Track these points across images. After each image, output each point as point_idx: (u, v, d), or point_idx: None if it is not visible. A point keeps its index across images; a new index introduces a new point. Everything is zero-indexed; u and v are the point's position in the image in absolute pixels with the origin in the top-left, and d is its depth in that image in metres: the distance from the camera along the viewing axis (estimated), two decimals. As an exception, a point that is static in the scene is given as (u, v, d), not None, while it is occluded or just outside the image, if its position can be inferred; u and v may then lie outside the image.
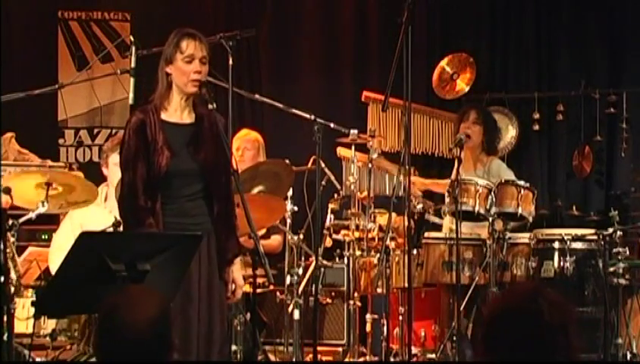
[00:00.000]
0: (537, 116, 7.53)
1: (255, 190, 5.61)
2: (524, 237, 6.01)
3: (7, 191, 4.80)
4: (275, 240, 6.52)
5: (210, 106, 4.14)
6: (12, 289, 4.72)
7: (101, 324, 2.82)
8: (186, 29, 4.27)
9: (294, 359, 6.03)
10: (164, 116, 4.21)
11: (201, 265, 4.13)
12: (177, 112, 4.23)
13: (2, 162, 6.23)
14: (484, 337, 2.51)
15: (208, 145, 4.17)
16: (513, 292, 2.59)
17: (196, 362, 4.09)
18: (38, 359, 5.26)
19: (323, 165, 6.20)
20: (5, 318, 4.21)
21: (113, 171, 5.43)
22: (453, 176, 5.82)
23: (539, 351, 2.40)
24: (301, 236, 6.22)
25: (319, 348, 5.80)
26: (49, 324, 5.42)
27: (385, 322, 5.89)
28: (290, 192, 6.08)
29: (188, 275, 4.06)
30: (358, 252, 6.14)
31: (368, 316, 6.27)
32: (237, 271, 4.24)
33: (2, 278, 4.23)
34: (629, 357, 5.95)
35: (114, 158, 5.45)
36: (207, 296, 4.14)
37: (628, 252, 5.95)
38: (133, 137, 4.15)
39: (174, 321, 3.93)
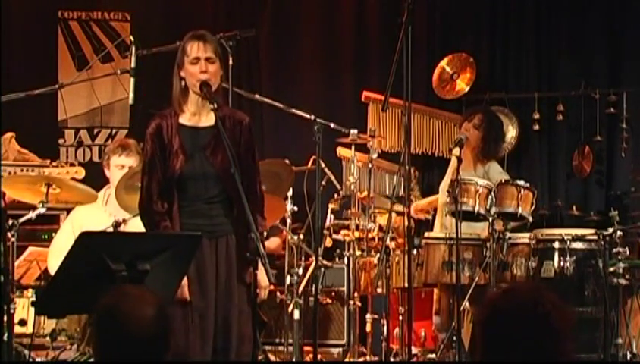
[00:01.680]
0: (537, 116, 7.53)
1: (255, 190, 5.60)
2: (524, 237, 6.00)
3: (2, 195, 4.79)
4: (274, 242, 6.52)
5: (211, 106, 4.14)
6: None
7: (99, 324, 2.81)
8: (194, 31, 4.28)
9: (294, 359, 6.03)
10: (181, 120, 4.23)
11: (219, 266, 4.14)
12: (195, 116, 4.24)
13: (2, 162, 6.23)
14: (481, 336, 2.50)
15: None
16: (514, 293, 2.56)
17: (193, 362, 4.09)
18: (38, 359, 5.27)
19: (323, 165, 6.20)
20: (5, 318, 4.22)
21: (115, 172, 5.43)
22: (453, 175, 5.82)
23: (543, 353, 2.40)
24: (301, 236, 6.22)
25: (319, 348, 5.80)
26: (49, 325, 5.42)
27: (385, 322, 5.90)
28: (290, 192, 6.08)
29: (204, 276, 4.08)
30: (358, 252, 6.15)
31: (368, 316, 6.28)
32: (261, 271, 4.23)
33: (2, 278, 4.24)
34: (629, 357, 5.94)
35: (116, 160, 5.46)
36: (226, 297, 4.14)
37: (628, 252, 5.94)
38: (150, 142, 4.20)
39: (189, 323, 3.98)
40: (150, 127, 4.22)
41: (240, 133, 4.25)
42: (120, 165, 5.42)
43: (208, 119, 4.25)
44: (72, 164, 6.59)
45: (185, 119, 4.24)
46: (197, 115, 4.24)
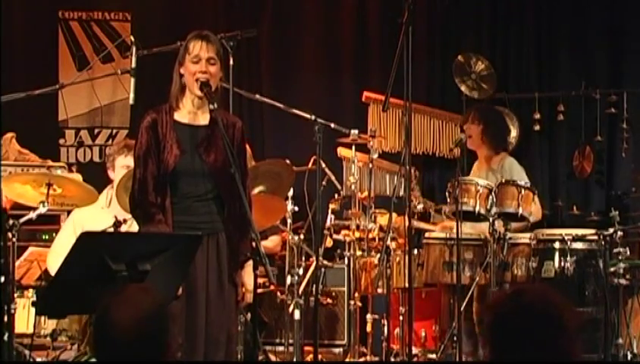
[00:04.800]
0: (537, 116, 7.52)
1: (256, 190, 5.60)
2: (524, 237, 6.01)
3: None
4: (272, 240, 6.51)
5: (211, 106, 4.15)
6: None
7: (94, 324, 2.84)
8: (198, 30, 4.29)
9: (295, 360, 6.03)
10: (176, 116, 4.24)
11: (209, 265, 4.14)
12: (190, 114, 4.26)
13: (3, 162, 6.22)
14: (490, 339, 2.50)
15: (220, 147, 4.16)
16: (522, 295, 2.56)
17: (193, 363, 4.08)
18: (38, 359, 5.27)
19: (323, 165, 6.20)
20: (6, 318, 4.22)
21: (120, 173, 5.40)
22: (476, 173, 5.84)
23: (557, 354, 2.42)
24: (302, 237, 6.22)
25: (320, 348, 5.80)
26: (50, 325, 5.42)
27: (386, 322, 5.89)
28: (290, 193, 6.08)
29: (194, 275, 4.07)
30: (358, 253, 6.15)
31: (369, 316, 6.27)
32: (248, 274, 4.24)
33: (2, 278, 4.24)
34: (629, 357, 5.95)
35: (121, 161, 5.44)
36: (216, 296, 4.15)
37: (628, 253, 5.94)
38: (145, 135, 4.20)
39: (179, 321, 3.98)
40: (145, 121, 4.22)
41: (232, 135, 4.27)
42: (126, 166, 5.38)
43: (203, 118, 4.27)
44: (70, 170, 6.58)
45: (180, 116, 4.25)
46: (192, 113, 4.26)
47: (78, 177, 5.59)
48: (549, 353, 2.42)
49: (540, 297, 2.49)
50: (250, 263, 4.24)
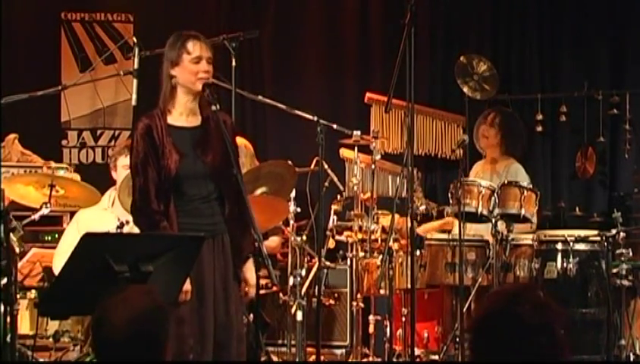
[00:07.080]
0: (540, 117, 7.51)
1: (258, 192, 5.61)
2: (527, 239, 6.01)
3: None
4: (273, 241, 6.52)
5: (213, 107, 4.15)
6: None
7: (92, 324, 2.85)
8: (187, 31, 4.29)
9: (297, 360, 6.03)
10: (169, 120, 4.23)
11: (216, 266, 4.15)
12: (182, 116, 4.24)
13: (6, 164, 6.24)
14: (470, 341, 2.52)
15: (216, 146, 4.18)
16: (495, 295, 2.60)
17: (193, 362, 4.09)
18: (41, 360, 5.27)
19: (326, 166, 6.20)
20: (8, 320, 4.22)
21: (122, 174, 5.41)
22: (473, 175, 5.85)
23: (523, 353, 2.41)
24: (304, 238, 6.22)
25: (322, 349, 5.80)
26: (52, 326, 5.42)
27: (388, 323, 5.90)
28: (292, 194, 6.08)
29: (202, 278, 4.08)
30: (361, 254, 6.15)
31: (371, 317, 6.27)
32: (250, 270, 4.25)
33: (5, 280, 4.25)
34: (632, 358, 5.94)
35: (122, 161, 5.45)
36: (223, 296, 4.15)
37: (631, 254, 5.94)
38: (141, 142, 4.16)
39: (189, 323, 3.99)
40: (139, 128, 4.18)
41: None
42: (128, 166, 5.39)
43: (195, 119, 4.27)
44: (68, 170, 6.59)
45: (173, 119, 4.24)
46: (184, 115, 4.25)
47: (76, 177, 5.59)
48: (509, 353, 2.42)
49: (507, 297, 2.49)
50: (251, 259, 4.25)
